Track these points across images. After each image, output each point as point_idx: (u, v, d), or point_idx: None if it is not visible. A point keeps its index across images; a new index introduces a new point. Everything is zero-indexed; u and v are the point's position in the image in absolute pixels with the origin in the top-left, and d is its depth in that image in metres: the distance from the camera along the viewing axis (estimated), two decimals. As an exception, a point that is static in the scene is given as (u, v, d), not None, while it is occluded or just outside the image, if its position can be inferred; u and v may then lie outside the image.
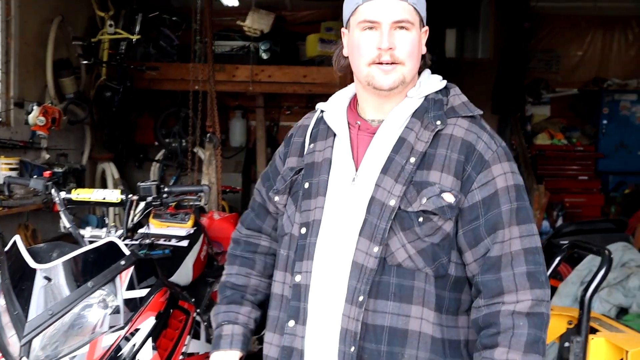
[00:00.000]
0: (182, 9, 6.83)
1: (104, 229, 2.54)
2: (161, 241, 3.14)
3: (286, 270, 1.69)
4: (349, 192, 1.63)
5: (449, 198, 1.55)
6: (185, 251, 3.09)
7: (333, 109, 1.74)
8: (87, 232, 2.51)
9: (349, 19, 1.67)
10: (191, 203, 2.95)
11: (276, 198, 1.76)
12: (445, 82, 1.72)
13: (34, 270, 2.11)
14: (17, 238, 2.22)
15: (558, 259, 2.78)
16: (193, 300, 2.77)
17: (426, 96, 1.67)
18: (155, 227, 3.29)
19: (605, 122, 7.74)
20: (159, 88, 6.63)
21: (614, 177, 7.77)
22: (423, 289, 1.57)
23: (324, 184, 1.66)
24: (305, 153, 1.75)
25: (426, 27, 1.70)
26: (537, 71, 8.03)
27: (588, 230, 5.14)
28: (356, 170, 1.64)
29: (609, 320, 2.53)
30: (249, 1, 6.75)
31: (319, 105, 1.79)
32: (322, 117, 1.77)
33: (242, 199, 6.98)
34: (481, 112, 1.67)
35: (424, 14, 1.67)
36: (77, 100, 5.91)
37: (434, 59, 1.76)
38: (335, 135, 1.70)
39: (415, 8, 1.62)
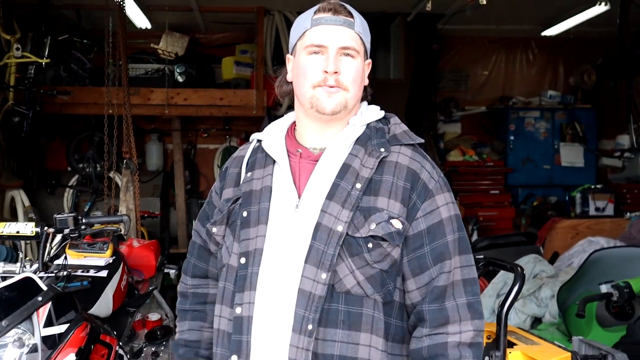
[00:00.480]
0: (93, 31, 6.68)
1: (18, 264, 2.45)
2: (79, 272, 3.05)
3: (225, 303, 1.64)
4: (292, 219, 1.60)
5: (397, 224, 1.55)
6: (105, 281, 3.01)
7: (271, 138, 1.72)
8: (0, 267, 2.41)
9: (295, 44, 1.69)
10: (110, 230, 2.88)
11: (214, 229, 1.71)
12: (383, 112, 1.74)
13: (-57, 311, 2.01)
14: None
15: (474, 275, 2.88)
16: (115, 332, 2.70)
17: (368, 124, 1.68)
18: (72, 257, 3.18)
19: (512, 138, 8.11)
20: (71, 112, 6.44)
21: (523, 190, 8.13)
22: (372, 316, 1.56)
23: (264, 212, 1.62)
24: (242, 182, 1.71)
25: (369, 60, 1.73)
26: (447, 90, 8.34)
27: (502, 244, 5.36)
28: (299, 197, 1.61)
29: (524, 333, 2.65)
30: (163, 23, 6.69)
31: (254, 136, 1.77)
32: (258, 146, 1.74)
33: (160, 223, 6.86)
34: (422, 141, 1.69)
35: (368, 46, 1.70)
36: (-17, 127, 5.66)
37: (370, 92, 1.78)
38: (274, 163, 1.68)
39: (361, 38, 1.65)
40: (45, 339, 2.10)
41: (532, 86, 8.41)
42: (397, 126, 1.70)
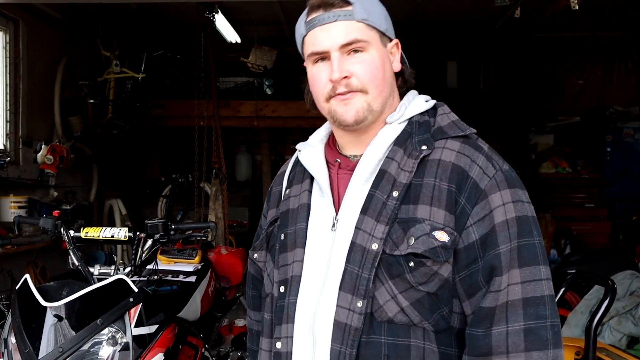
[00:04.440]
0: (186, 47, 6.95)
1: (113, 267, 2.56)
2: (169, 277, 3.17)
3: (265, 335, 1.48)
4: (329, 239, 1.38)
5: (442, 237, 1.28)
6: (193, 287, 3.11)
7: (309, 148, 1.52)
8: (95, 269, 2.54)
9: (302, 53, 1.47)
10: (199, 239, 2.97)
11: (255, 255, 1.57)
12: (433, 102, 1.47)
13: (44, 309, 2.13)
14: (27, 277, 2.25)
15: (563, 289, 2.78)
16: (201, 335, 2.78)
17: (410, 119, 1.43)
18: (162, 263, 3.32)
19: (609, 149, 7.76)
20: (164, 125, 6.71)
21: (620, 204, 7.75)
22: (422, 348, 1.31)
23: (301, 234, 1.42)
24: (281, 201, 1.54)
25: (395, 40, 1.46)
26: (539, 100, 8.09)
27: (595, 259, 5.13)
28: (336, 213, 1.40)
29: (616, 351, 2.52)
30: (252, 37, 6.86)
31: (298, 145, 1.57)
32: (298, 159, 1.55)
33: (249, 232, 7.01)
34: (474, 131, 1.41)
35: (384, 26, 1.42)
36: (84, 138, 6.00)
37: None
38: (312, 176, 1.48)
39: (367, 24, 1.38)
40: (136, 338, 2.19)
41: (631, 95, 8.02)
42: (445, 117, 1.43)
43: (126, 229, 2.59)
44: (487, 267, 1.28)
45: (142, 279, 2.85)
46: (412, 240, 1.28)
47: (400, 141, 1.39)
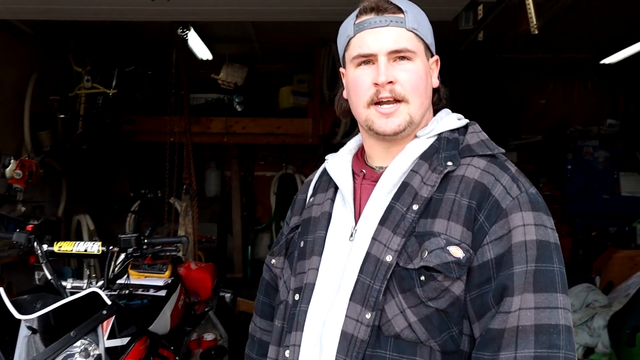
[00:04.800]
0: (157, 63, 6.99)
1: (85, 280, 2.61)
2: (139, 291, 3.21)
3: (274, 343, 1.46)
4: (346, 249, 1.37)
5: (456, 252, 1.25)
6: (164, 301, 3.16)
7: (337, 158, 1.52)
8: (68, 283, 2.58)
9: (343, 56, 1.46)
10: (169, 253, 3.03)
11: (272, 261, 1.56)
12: (465, 121, 1.45)
13: (18, 321, 2.17)
14: (0, 290, 2.29)
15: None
16: (172, 348, 2.83)
17: (439, 135, 1.41)
18: (133, 277, 3.35)
19: (570, 167, 8.00)
20: (135, 140, 6.73)
21: (580, 220, 7.99)
22: None
23: (320, 242, 1.41)
24: (305, 208, 1.54)
25: (436, 57, 1.46)
26: (503, 119, 8.30)
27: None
28: (356, 224, 1.39)
29: None
30: (223, 54, 6.94)
31: (327, 156, 1.57)
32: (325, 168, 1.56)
33: (217, 248, 7.04)
34: (503, 151, 1.39)
35: (430, 40, 1.43)
36: (53, 153, 5.99)
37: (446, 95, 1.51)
38: (336, 186, 1.48)
39: (417, 34, 1.38)
40: (108, 350, 2.24)
41: (591, 115, 8.28)
42: (475, 135, 1.41)
43: (99, 243, 2.65)
44: (499, 287, 1.23)
45: (112, 293, 2.89)
46: (426, 253, 1.26)
47: (427, 155, 1.37)
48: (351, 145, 1.56)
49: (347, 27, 1.42)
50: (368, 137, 1.45)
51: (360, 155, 1.52)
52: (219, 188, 7.59)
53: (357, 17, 1.40)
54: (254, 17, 5.26)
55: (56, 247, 2.65)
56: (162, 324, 3.06)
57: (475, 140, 1.39)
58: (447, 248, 1.25)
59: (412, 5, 1.41)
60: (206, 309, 3.93)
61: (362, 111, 1.39)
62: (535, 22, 3.45)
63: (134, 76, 6.69)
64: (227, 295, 4.54)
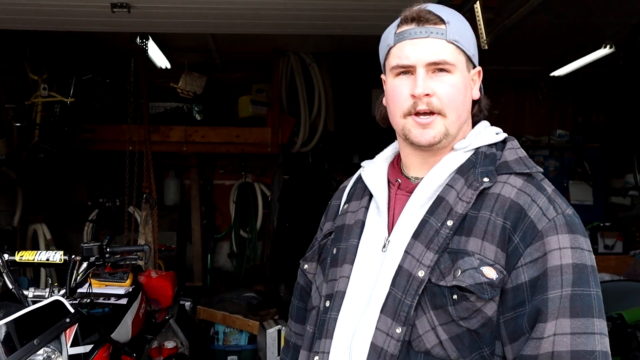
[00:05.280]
0: (116, 71, 6.98)
1: (47, 289, 2.63)
2: (101, 300, 3.24)
3: (305, 348, 1.47)
4: (378, 260, 1.37)
5: (490, 273, 1.24)
6: (125, 309, 3.19)
7: (372, 166, 1.52)
8: (30, 292, 2.60)
9: (384, 64, 1.45)
10: (131, 262, 3.07)
11: (305, 266, 1.57)
12: (503, 135, 1.43)
13: (-20, 330, 2.18)
14: (-38, 300, 2.30)
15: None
16: (134, 355, 2.87)
17: (476, 149, 1.39)
18: (94, 286, 3.37)
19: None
20: (93, 149, 6.69)
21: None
22: None
23: (352, 250, 1.42)
24: (338, 215, 1.55)
25: (478, 68, 1.44)
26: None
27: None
28: (389, 234, 1.39)
29: None
30: (182, 63, 6.97)
31: (363, 163, 1.56)
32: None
33: (177, 256, 7.04)
34: (541, 170, 1.37)
35: (472, 51, 1.41)
36: (9, 162, 5.92)
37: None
38: (371, 194, 1.47)
39: (458, 46, 1.36)
40: (71, 358, 2.27)
41: (542, 125, 8.53)
42: (513, 152, 1.38)
43: (61, 252, 2.67)
44: (533, 312, 1.22)
45: (73, 302, 2.91)
46: (459, 273, 1.25)
47: (463, 170, 1.36)
48: (387, 153, 1.55)
49: (388, 35, 1.42)
50: (405, 146, 1.44)
51: (396, 163, 1.51)
52: (178, 197, 7.58)
53: (398, 26, 1.40)
54: (214, 30, 5.33)
55: (17, 257, 2.66)
56: (123, 331, 3.09)
57: (513, 157, 1.37)
58: (481, 268, 1.24)
59: (455, 15, 1.40)
60: (167, 317, 3.96)
61: (399, 121, 1.39)
62: (485, 37, 3.60)
63: (92, 84, 6.67)
64: (187, 304, 4.58)
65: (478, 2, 3.52)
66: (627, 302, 3.50)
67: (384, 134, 1.60)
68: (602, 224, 7.76)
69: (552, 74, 7.86)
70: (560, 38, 6.20)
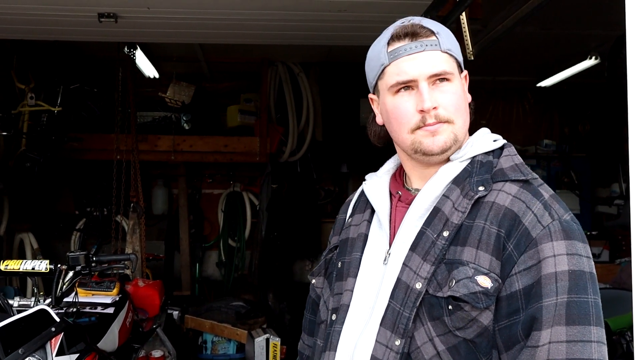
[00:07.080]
0: (103, 80, 6.97)
1: (32, 298, 2.62)
2: (87, 309, 3.23)
3: None
4: (379, 272, 1.38)
5: (484, 282, 1.23)
6: (111, 318, 3.18)
7: (374, 179, 1.52)
8: (15, 301, 2.59)
9: (376, 83, 1.43)
10: (119, 271, 3.06)
11: (313, 280, 1.59)
12: (502, 142, 1.41)
13: (-35, 340, 2.17)
14: (-53, 309, 2.29)
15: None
16: (121, 364, 2.86)
17: (473, 158, 1.38)
18: (81, 295, 3.36)
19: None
20: (81, 158, 6.67)
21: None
22: None
23: (355, 263, 1.42)
24: (343, 228, 1.56)
25: (465, 72, 1.44)
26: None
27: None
28: (389, 247, 1.39)
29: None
30: (170, 73, 6.98)
31: (367, 176, 1.56)
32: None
33: (165, 266, 7.02)
34: (536, 177, 1.34)
35: (460, 57, 1.42)
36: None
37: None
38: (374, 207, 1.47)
39: (450, 54, 1.37)
40: (57, 367, 2.26)
41: (529, 135, 8.60)
42: (509, 158, 1.37)
43: (47, 261, 2.67)
44: (528, 320, 1.20)
45: (59, 311, 2.90)
46: (453, 282, 1.25)
47: (459, 180, 1.35)
48: (389, 166, 1.54)
49: (379, 55, 1.39)
50: (408, 159, 1.43)
51: (398, 175, 1.51)
52: (167, 206, 7.57)
53: (388, 44, 1.37)
54: (202, 40, 5.35)
55: (3, 266, 2.65)
56: (110, 341, 3.08)
57: (509, 164, 1.35)
58: (475, 277, 1.23)
59: (440, 25, 1.41)
60: (154, 326, 3.95)
61: (406, 137, 1.37)
62: (471, 48, 3.64)
63: (80, 93, 6.65)
64: (175, 313, 4.57)
65: (464, 13, 3.55)
66: (612, 309, 3.53)
67: (371, 144, 1.59)
68: (588, 233, 7.81)
69: (538, 85, 7.93)
70: (546, 49, 6.26)
